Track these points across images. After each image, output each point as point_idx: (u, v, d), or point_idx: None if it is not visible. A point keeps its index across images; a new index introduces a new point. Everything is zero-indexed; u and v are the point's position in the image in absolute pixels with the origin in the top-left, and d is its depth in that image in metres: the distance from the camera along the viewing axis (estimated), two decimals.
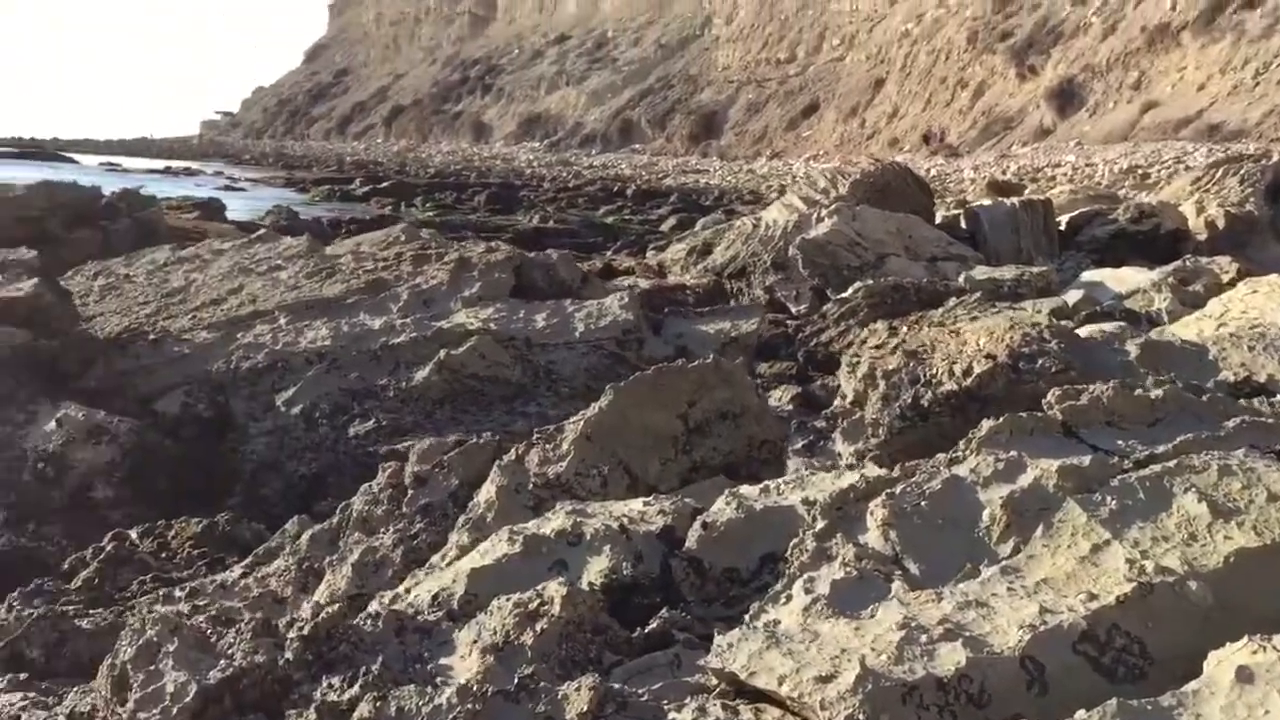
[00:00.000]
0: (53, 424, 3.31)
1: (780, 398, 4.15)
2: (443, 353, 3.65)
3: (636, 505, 1.73)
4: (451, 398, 3.60)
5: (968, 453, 1.75)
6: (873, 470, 1.76)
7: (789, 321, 7.69)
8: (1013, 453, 1.71)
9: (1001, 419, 1.82)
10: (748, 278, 9.83)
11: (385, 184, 36.27)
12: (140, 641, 1.55)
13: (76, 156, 60.49)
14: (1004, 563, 1.48)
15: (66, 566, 2.96)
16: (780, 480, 1.84)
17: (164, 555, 2.95)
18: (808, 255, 9.38)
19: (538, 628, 1.47)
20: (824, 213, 10.01)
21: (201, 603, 2.13)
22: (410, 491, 2.21)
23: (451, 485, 2.18)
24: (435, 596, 1.66)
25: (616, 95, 60.94)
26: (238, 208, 22.68)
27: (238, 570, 2.60)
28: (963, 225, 10.00)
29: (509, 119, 67.33)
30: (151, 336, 4.01)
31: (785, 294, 9.34)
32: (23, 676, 1.93)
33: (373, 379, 3.67)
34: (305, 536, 2.29)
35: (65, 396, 3.65)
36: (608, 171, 47.55)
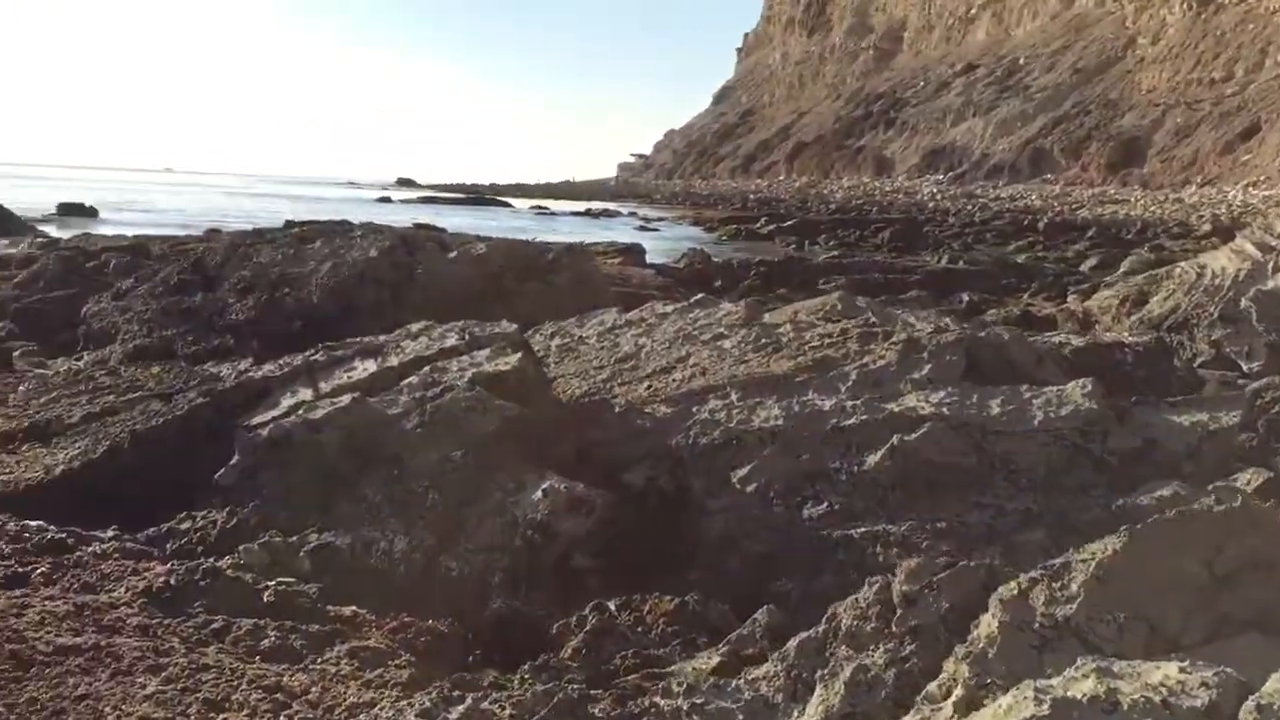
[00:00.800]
0: (539, 494, 3.63)
1: (1247, 483, 3.78)
2: (896, 438, 3.65)
3: (1171, 672, 1.64)
4: (903, 483, 3.59)
5: None
6: None
7: (1239, 381, 7.12)
8: None
9: None
10: (1190, 331, 9.09)
11: (789, 222, 36.85)
12: None
13: (510, 200, 66.59)
14: None
15: (555, 632, 3.23)
16: None
17: (640, 629, 3.15)
18: (1264, 308, 8.59)
19: None
20: None
21: (699, 701, 2.25)
22: (899, 610, 2.23)
23: (942, 608, 2.18)
24: None
25: (1027, 124, 58.47)
26: (652, 248, 23.97)
27: (715, 659, 2.72)
28: None
29: (912, 152, 66.47)
30: (617, 410, 4.30)
31: (1235, 350, 8.61)
32: None
33: (824, 461, 3.73)
34: (793, 644, 2.36)
35: (543, 464, 3.99)
36: (1016, 204, 45.77)
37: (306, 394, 4.54)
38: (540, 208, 57.39)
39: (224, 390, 4.73)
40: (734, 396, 4.17)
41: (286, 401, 4.54)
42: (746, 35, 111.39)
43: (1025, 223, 34.59)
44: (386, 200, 67.30)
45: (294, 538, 3.75)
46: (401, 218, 42.04)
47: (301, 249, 8.88)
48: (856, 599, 2.32)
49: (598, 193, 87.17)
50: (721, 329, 5.32)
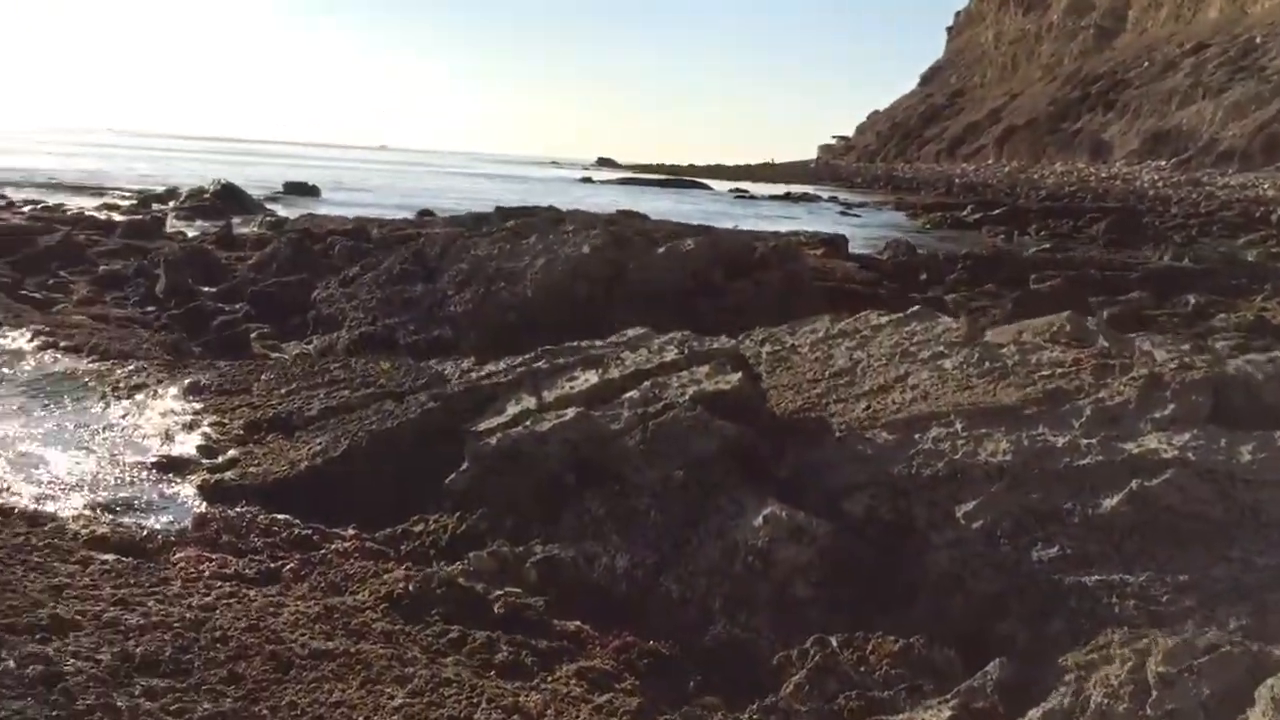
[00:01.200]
0: (760, 520, 3.64)
1: None
2: (1135, 482, 3.49)
3: None
4: (1142, 530, 3.44)
5: None
6: None
7: None
8: None
9: None
10: None
11: (996, 211, 35.61)
12: None
13: (709, 182, 66.62)
14: None
15: (775, 663, 3.25)
16: None
17: (863, 669, 3.13)
18: None
19: None
20: None
21: None
22: (1155, 693, 2.14)
23: (1202, 694, 2.08)
24: None
25: (1263, 107, 54.63)
26: (854, 236, 23.64)
27: (946, 711, 2.69)
28: None
29: (1131, 136, 63.12)
30: (838, 433, 4.26)
31: None
32: None
33: (1056, 501, 3.60)
34: (1037, 715, 2.30)
35: (760, 485, 4.00)
36: (1246, 193, 42.94)
37: (530, 402, 4.69)
38: (739, 191, 57.24)
39: (453, 395, 4.93)
40: (959, 426, 4.08)
41: (511, 409, 4.70)
42: (958, 14, 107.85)
43: (1257, 214, 32.33)
44: (588, 181, 68.49)
45: (520, 548, 3.88)
46: (602, 200, 42.75)
47: (517, 244, 9.14)
48: (1106, 675, 2.24)
49: (797, 175, 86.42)
50: (941, 347, 5.20)
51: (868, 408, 4.65)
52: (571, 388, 4.72)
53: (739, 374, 4.43)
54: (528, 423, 4.31)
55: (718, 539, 3.69)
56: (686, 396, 4.27)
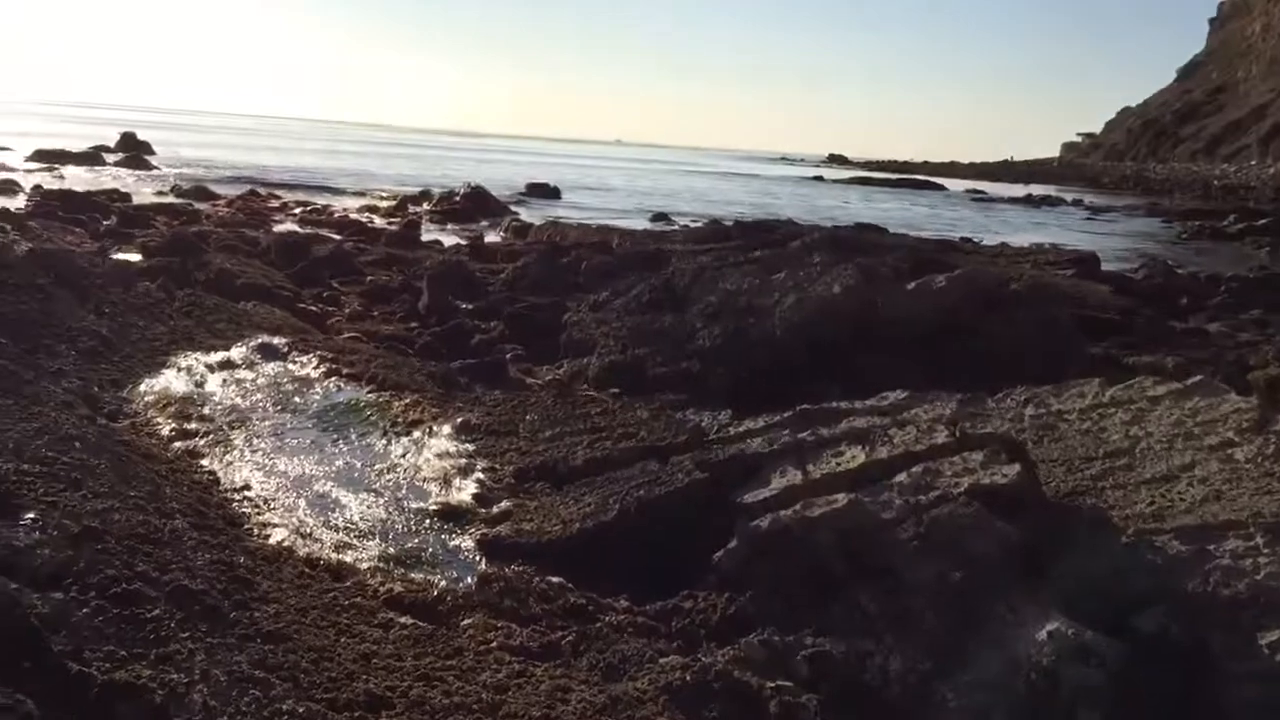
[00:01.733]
0: (1044, 634, 3.54)
1: None
2: None
3: None
4: None
5: None
6: None
7: None
8: None
9: None
10: None
11: (1262, 221, 33.28)
12: None
13: (943, 181, 64.77)
14: None
15: None
16: None
17: None
18: None
19: None
20: None
21: None
22: None
23: None
24: None
25: None
26: (1103, 248, 22.56)
27: None
28: None
29: None
30: (1124, 539, 4.09)
31: None
32: None
33: None
34: None
35: (1040, 589, 3.89)
36: None
37: (796, 476, 4.71)
38: (976, 192, 55.42)
39: (718, 463, 5.00)
40: (1260, 540, 3.84)
41: (777, 480, 4.74)
42: (1221, 4, 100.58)
43: None
44: (819, 179, 67.89)
45: (790, 637, 3.91)
46: (833, 201, 42.23)
47: (767, 278, 9.16)
48: None
49: (1038, 174, 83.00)
50: (1230, 433, 4.91)
51: (1151, 502, 4.44)
52: (837, 465, 4.72)
53: (1016, 466, 4.31)
54: (796, 506, 4.33)
55: (997, 649, 3.62)
56: (961, 488, 4.20)
